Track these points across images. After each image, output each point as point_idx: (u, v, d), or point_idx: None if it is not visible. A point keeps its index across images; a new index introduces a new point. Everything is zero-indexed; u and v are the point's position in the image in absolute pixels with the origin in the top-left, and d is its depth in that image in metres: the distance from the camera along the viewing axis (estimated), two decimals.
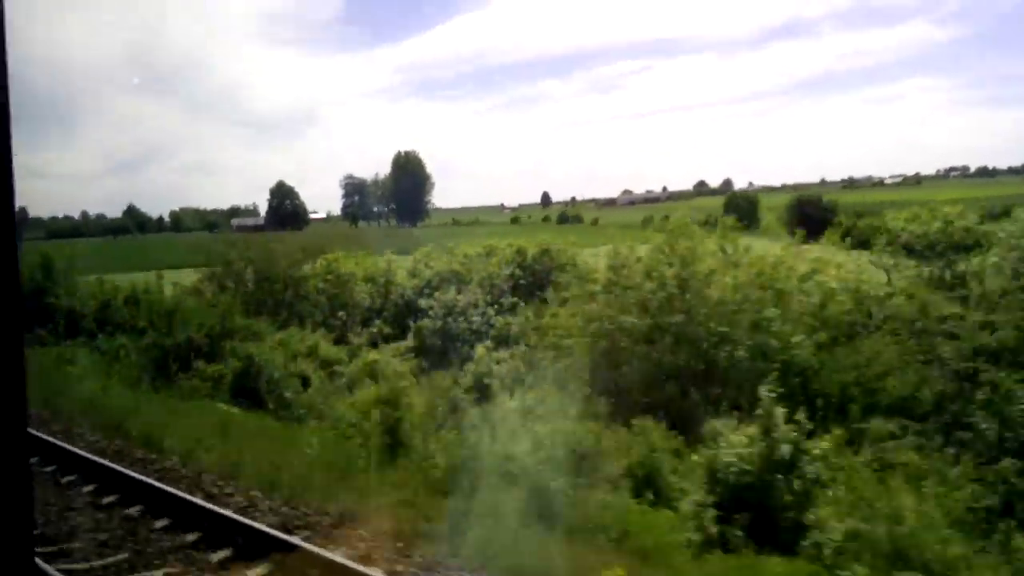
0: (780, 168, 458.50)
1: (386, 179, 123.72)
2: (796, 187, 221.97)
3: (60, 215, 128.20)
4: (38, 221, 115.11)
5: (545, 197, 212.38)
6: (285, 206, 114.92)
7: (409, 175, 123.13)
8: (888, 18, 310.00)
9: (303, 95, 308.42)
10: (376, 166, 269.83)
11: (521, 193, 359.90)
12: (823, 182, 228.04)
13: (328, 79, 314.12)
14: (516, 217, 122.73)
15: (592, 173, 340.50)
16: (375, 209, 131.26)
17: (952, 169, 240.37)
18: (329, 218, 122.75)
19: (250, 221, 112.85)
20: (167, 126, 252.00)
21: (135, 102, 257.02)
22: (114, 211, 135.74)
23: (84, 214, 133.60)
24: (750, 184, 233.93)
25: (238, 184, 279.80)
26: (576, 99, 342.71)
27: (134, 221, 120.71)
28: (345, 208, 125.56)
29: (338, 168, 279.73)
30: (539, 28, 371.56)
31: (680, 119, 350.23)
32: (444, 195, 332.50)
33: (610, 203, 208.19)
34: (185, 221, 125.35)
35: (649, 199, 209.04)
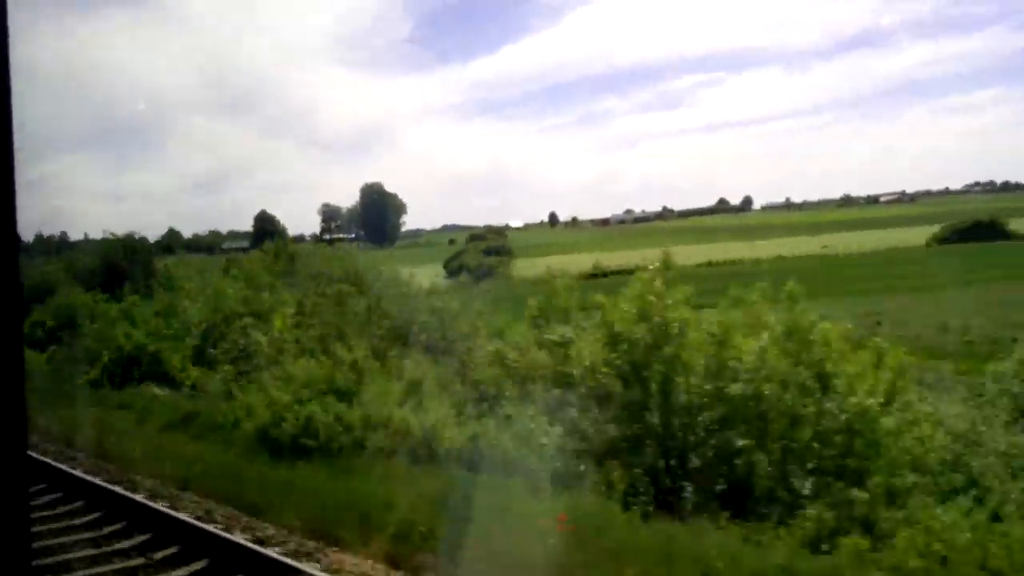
0: (836, 181, 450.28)
1: (355, 207, 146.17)
2: (800, 205, 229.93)
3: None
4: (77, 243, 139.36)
5: (552, 217, 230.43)
6: (267, 230, 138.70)
7: (375, 203, 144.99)
8: (965, 27, 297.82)
9: (374, 115, 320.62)
10: (441, 184, 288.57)
11: (584, 208, 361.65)
12: (846, 198, 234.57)
13: (398, 99, 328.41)
14: (453, 239, 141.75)
15: (653, 187, 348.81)
16: (351, 235, 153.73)
17: (976, 184, 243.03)
18: (305, 239, 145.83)
19: (237, 244, 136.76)
20: (244, 147, 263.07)
21: (213, 124, 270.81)
22: (191, 230, 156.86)
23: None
24: (752, 201, 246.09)
25: (314, 202, 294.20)
26: (641, 114, 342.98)
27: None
28: (322, 232, 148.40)
29: (406, 185, 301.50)
30: (603, 46, 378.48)
31: (748, 132, 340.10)
32: (506, 211, 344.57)
33: (604, 223, 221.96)
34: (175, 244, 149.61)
35: (639, 219, 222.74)
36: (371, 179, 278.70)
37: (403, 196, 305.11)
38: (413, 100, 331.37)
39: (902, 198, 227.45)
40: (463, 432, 9.56)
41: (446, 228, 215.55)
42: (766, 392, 8.51)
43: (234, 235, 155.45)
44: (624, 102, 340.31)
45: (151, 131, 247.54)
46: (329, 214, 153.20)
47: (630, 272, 48.22)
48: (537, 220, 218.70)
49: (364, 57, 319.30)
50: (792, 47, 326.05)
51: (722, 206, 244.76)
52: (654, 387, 8.87)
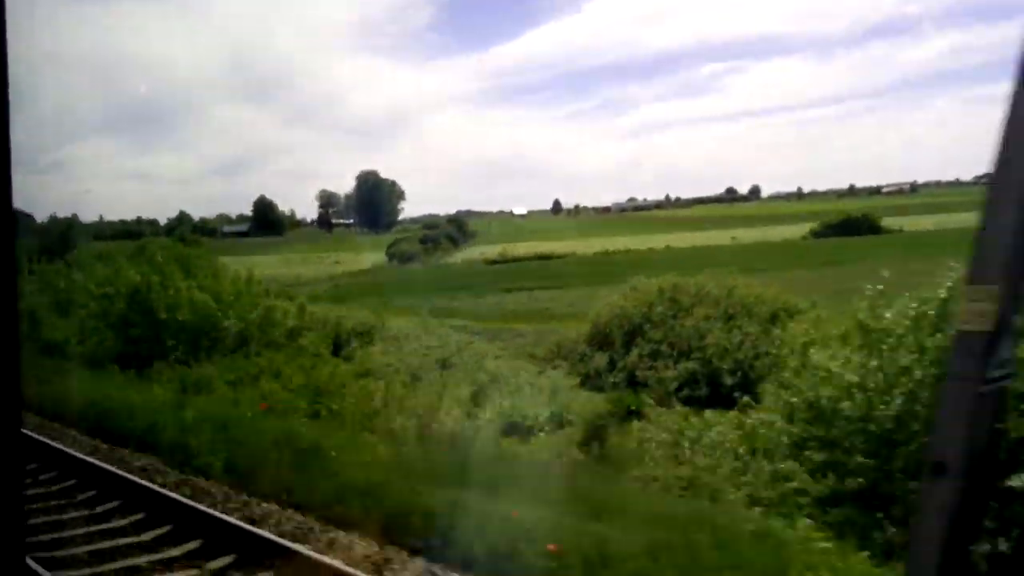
0: (858, 170, 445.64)
1: (351, 193, 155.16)
2: (809, 194, 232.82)
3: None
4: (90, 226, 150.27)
5: (556, 204, 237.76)
6: (267, 216, 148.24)
7: (370, 190, 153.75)
8: (992, 15, 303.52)
9: (395, 102, 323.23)
10: (461, 170, 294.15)
11: (605, 195, 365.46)
12: (851, 189, 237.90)
13: (419, 86, 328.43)
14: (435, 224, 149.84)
15: (675, 175, 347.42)
16: (349, 220, 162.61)
17: (985, 174, 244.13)
18: (305, 223, 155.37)
19: (237, 228, 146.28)
20: (267, 133, 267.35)
21: (237, 110, 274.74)
22: (214, 213, 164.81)
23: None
24: (758, 190, 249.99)
25: (335, 188, 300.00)
26: (663, 102, 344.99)
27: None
28: (320, 217, 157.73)
29: (428, 171, 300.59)
30: (626, 32, 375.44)
31: (771, 120, 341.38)
32: (523, 198, 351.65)
33: (605, 211, 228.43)
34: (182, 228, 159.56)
35: (639, 207, 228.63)
36: (392, 164, 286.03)
37: (421, 183, 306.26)
38: (434, 87, 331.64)
39: (903, 189, 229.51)
40: None
41: (459, 214, 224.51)
42: None
43: (242, 219, 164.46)
44: (646, 90, 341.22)
45: (176, 116, 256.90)
46: (327, 200, 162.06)
47: (539, 258, 57.31)
48: (548, 207, 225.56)
49: (386, 44, 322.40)
50: (817, 35, 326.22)
51: (729, 195, 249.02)
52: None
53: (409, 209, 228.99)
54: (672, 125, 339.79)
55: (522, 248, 74.71)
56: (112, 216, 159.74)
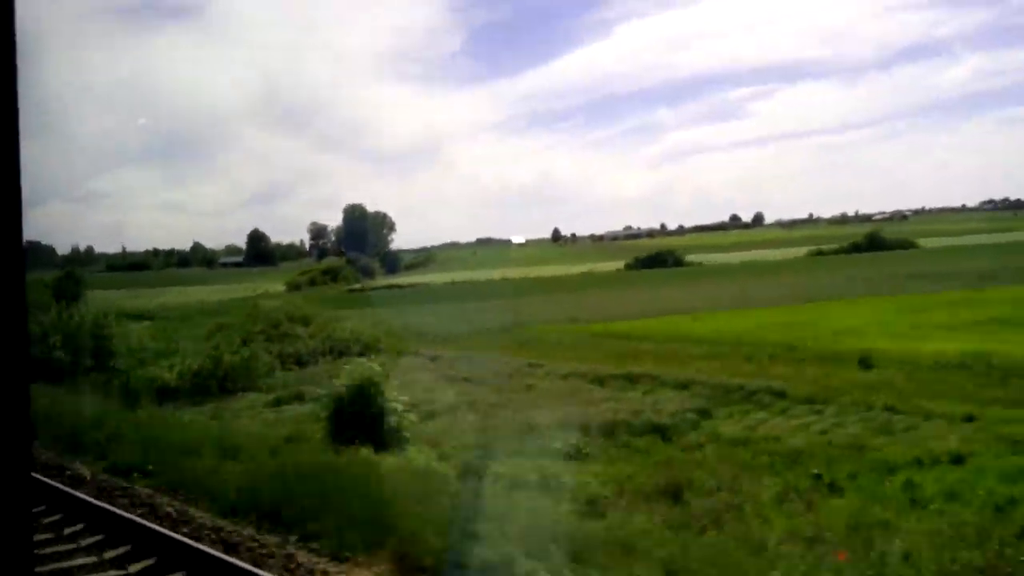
0: (890, 194, 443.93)
1: (340, 226, 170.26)
2: (813, 220, 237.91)
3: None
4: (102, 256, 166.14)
5: (555, 233, 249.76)
6: (258, 247, 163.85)
7: (357, 222, 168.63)
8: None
9: (424, 129, 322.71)
10: (492, 196, 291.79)
11: (636, 219, 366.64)
12: (843, 216, 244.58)
13: (449, 113, 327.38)
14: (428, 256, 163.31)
15: (708, 200, 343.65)
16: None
17: (989, 201, 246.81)
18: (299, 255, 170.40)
19: (233, 259, 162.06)
20: (297, 161, 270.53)
21: (267, 138, 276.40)
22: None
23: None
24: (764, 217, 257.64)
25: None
26: (692, 127, 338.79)
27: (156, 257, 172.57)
28: (311, 248, 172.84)
29: (457, 198, 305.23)
30: (655, 58, 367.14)
31: (801, 144, 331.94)
32: (562, 223, 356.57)
33: (600, 239, 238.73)
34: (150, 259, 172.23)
35: (631, 236, 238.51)
36: (420, 191, 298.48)
37: (449, 210, 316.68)
38: (463, 113, 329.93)
39: (894, 216, 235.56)
40: None
41: (479, 241, 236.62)
42: None
43: (232, 250, 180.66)
44: (676, 115, 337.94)
45: (207, 145, 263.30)
46: (317, 232, 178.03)
47: (421, 285, 70.80)
48: (562, 235, 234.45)
49: (416, 71, 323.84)
50: (846, 58, 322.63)
51: (733, 222, 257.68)
52: None
53: (421, 238, 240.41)
54: (701, 150, 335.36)
55: (446, 277, 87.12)
56: (140, 247, 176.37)
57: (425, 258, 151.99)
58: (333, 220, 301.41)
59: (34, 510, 8.22)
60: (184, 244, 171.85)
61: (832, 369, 19.67)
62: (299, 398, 19.77)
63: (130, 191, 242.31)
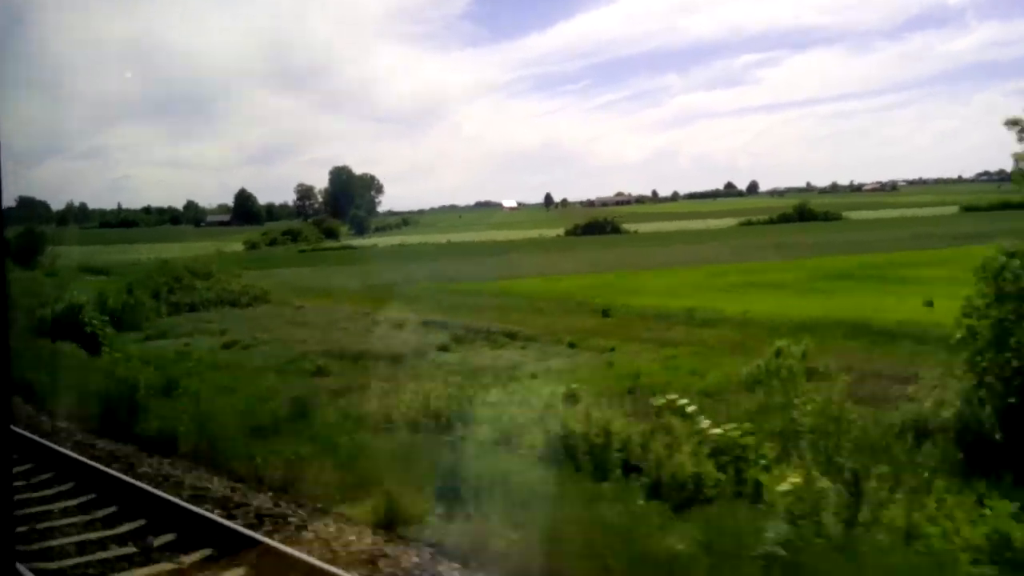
0: (896, 164, 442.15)
1: (326, 188, 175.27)
2: (812, 190, 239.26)
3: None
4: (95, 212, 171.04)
5: (547, 198, 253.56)
6: (246, 207, 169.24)
7: (343, 185, 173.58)
8: None
9: (428, 91, 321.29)
10: (495, 159, 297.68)
11: (639, 185, 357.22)
12: (833, 186, 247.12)
13: (453, 75, 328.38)
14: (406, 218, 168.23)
15: (712, 166, 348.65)
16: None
17: (984, 173, 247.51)
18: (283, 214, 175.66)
19: (220, 218, 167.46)
20: (300, 121, 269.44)
21: (270, 97, 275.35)
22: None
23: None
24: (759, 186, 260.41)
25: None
26: (698, 92, 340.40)
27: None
28: (298, 209, 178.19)
29: (460, 161, 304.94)
30: (660, 22, 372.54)
31: (807, 112, 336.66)
32: (564, 187, 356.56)
33: (590, 204, 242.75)
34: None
35: (620, 202, 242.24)
36: (424, 154, 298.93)
37: (452, 172, 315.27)
38: (467, 76, 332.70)
39: (884, 187, 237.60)
40: None
41: (479, 205, 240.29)
42: None
43: (223, 209, 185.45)
44: (681, 80, 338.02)
45: (210, 103, 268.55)
46: (304, 193, 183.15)
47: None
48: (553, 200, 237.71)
49: (421, 32, 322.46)
50: (855, 25, 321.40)
51: (727, 190, 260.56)
52: None
53: (422, 199, 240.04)
54: (706, 116, 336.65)
55: (406, 239, 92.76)
56: (143, 203, 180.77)
57: (399, 221, 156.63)
58: (325, 181, 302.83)
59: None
60: (182, 202, 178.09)
61: (580, 318, 25.08)
62: (163, 335, 25.41)
63: (134, 148, 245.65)
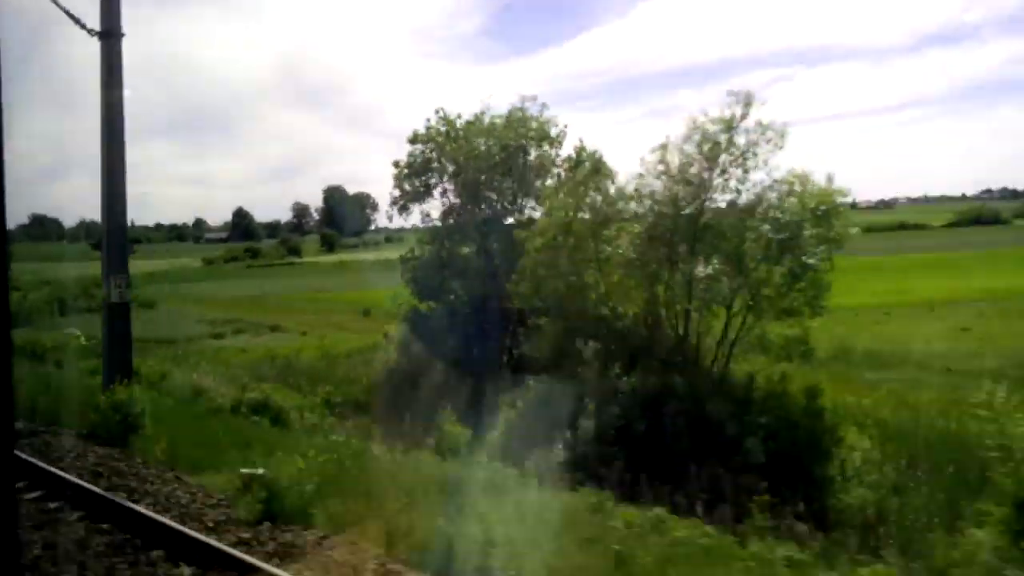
0: (912, 180, 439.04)
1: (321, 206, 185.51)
2: None
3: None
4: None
5: None
6: (243, 224, 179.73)
7: (336, 203, 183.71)
8: None
9: (446, 108, 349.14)
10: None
11: None
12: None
13: (469, 91, 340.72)
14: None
15: None
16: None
17: (987, 190, 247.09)
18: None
19: (219, 235, 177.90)
20: (318, 138, 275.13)
21: (288, 114, 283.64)
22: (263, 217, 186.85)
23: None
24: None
25: (380, 194, 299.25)
26: (714, 109, 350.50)
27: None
28: (294, 226, 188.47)
29: None
30: (677, 38, 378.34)
31: (824, 129, 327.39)
32: None
33: None
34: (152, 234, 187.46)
35: None
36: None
37: None
38: (484, 92, 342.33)
39: (878, 205, 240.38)
40: None
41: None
42: None
43: (228, 226, 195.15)
44: (696, 97, 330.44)
45: (230, 120, 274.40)
46: (300, 211, 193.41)
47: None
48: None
49: (436, 51, 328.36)
50: (871, 42, 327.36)
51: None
52: None
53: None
54: None
55: (370, 255, 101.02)
56: (164, 219, 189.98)
57: (383, 239, 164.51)
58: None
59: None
60: (203, 217, 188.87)
61: (347, 316, 32.77)
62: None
63: (154, 163, 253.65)
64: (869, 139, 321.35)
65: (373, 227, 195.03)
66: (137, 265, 79.04)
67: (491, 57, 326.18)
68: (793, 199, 15.05)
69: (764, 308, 14.65)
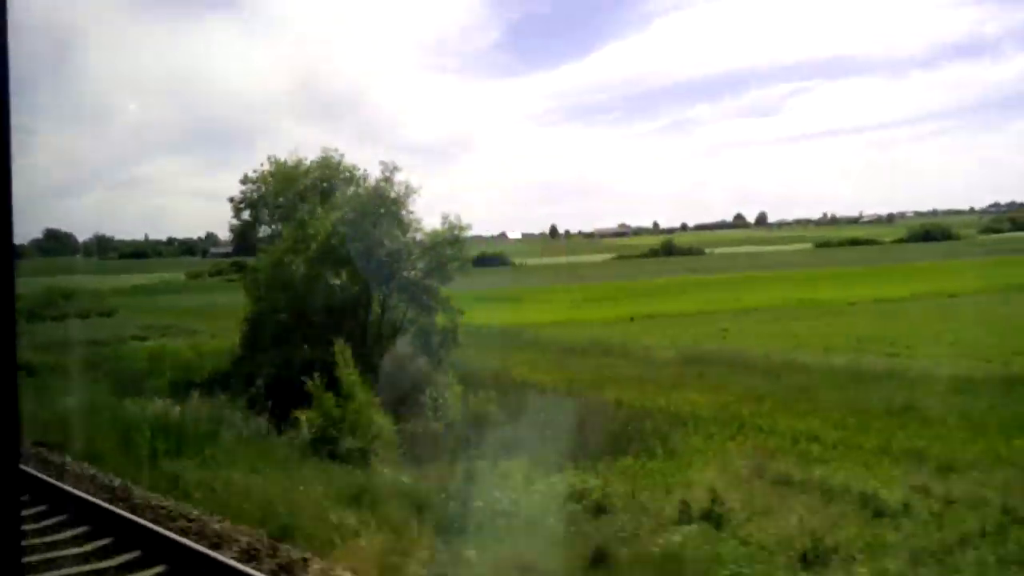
0: (930, 193, 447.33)
1: None
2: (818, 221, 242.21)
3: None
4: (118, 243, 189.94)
5: (552, 229, 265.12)
6: (244, 239, 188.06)
7: None
8: None
9: (460, 121, 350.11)
10: (525, 188, 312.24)
11: (673, 215, 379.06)
12: (832, 218, 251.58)
13: (484, 105, 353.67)
14: None
15: (746, 196, 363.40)
16: None
17: (994, 204, 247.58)
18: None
19: (223, 249, 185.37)
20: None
21: (303, 129, 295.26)
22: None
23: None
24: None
25: None
26: (731, 121, 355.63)
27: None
28: None
29: (491, 190, 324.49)
30: (694, 52, 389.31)
31: (843, 141, 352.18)
32: (592, 218, 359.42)
33: (590, 236, 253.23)
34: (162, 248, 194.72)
35: (618, 233, 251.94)
36: (454, 184, 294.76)
37: (481, 201, 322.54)
38: (500, 107, 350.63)
39: (881, 219, 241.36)
40: None
41: (501, 235, 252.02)
42: None
43: (221, 243, 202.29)
44: (714, 109, 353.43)
45: (246, 135, 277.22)
46: None
47: None
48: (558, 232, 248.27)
49: (452, 65, 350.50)
50: (890, 55, 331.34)
51: (737, 221, 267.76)
52: None
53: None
54: (740, 145, 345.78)
55: None
56: (181, 233, 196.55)
57: None
58: None
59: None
60: (216, 231, 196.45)
61: None
62: None
63: (170, 177, 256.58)
64: (887, 152, 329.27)
65: None
66: (131, 279, 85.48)
67: (507, 71, 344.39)
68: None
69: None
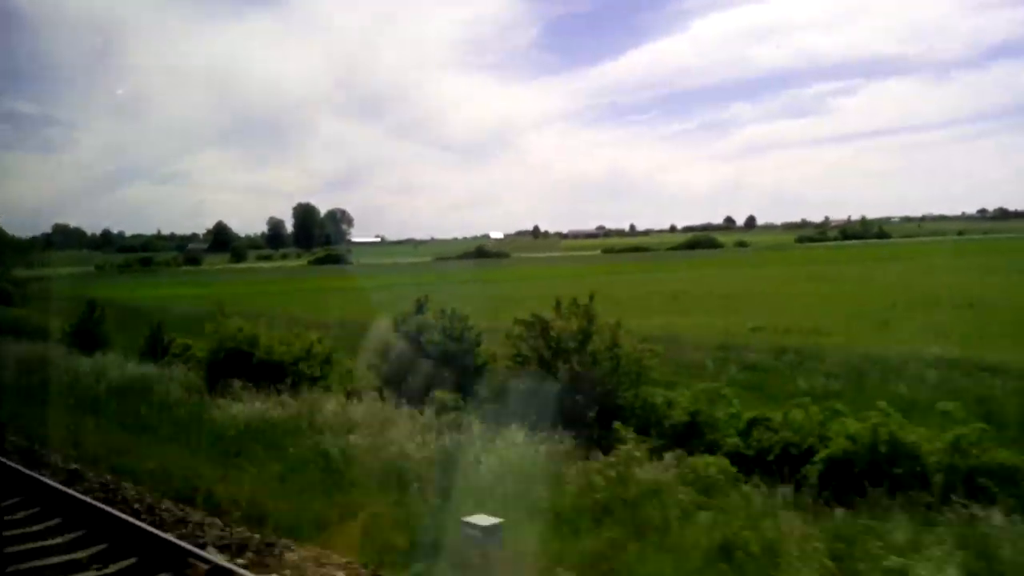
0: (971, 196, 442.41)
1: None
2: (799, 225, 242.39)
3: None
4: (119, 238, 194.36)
5: (536, 230, 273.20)
6: (222, 236, 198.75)
7: (304, 219, 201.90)
8: None
9: (497, 119, 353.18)
10: (559, 186, 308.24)
11: (708, 214, 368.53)
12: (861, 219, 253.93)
13: (521, 103, 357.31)
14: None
15: (778, 198, 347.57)
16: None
17: (982, 210, 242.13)
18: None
19: (201, 246, 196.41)
20: (372, 149, 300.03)
21: (344, 125, 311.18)
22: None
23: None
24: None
25: (431, 204, 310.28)
26: (768, 122, 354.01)
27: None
28: (268, 239, 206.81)
29: (527, 188, 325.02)
30: (732, 52, 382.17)
31: (881, 143, 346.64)
32: (624, 216, 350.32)
33: (564, 236, 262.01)
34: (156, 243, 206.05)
35: (590, 235, 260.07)
36: (490, 181, 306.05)
37: (517, 199, 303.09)
38: (536, 105, 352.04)
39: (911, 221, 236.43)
40: None
41: (519, 234, 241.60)
42: None
43: (199, 239, 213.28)
44: (752, 109, 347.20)
45: (286, 130, 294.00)
46: (275, 226, 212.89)
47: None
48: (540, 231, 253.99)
49: (490, 62, 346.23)
50: (934, 54, 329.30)
51: (726, 224, 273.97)
52: None
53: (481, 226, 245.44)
54: (776, 147, 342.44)
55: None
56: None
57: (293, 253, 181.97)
58: (408, 204, 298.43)
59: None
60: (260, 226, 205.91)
61: None
62: None
63: (211, 172, 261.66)
64: (929, 155, 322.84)
65: (353, 240, 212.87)
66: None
67: (545, 69, 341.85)
68: None
69: None
